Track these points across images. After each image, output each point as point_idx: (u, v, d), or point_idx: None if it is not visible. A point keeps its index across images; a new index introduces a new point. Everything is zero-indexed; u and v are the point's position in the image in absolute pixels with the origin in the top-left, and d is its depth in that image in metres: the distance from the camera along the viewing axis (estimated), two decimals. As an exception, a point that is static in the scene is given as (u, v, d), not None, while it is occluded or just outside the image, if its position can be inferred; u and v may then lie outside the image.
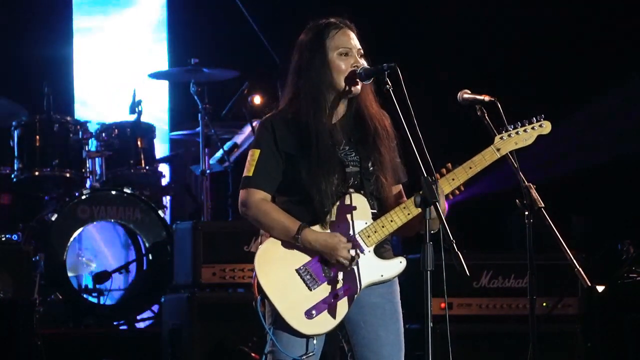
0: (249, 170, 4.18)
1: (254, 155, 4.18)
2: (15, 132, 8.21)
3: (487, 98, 4.47)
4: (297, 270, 4.12)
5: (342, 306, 4.13)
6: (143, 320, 8.32)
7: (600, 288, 6.84)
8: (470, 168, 4.23)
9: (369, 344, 4.20)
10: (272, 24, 8.75)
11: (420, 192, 3.90)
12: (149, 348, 7.47)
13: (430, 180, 3.89)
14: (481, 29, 9.08)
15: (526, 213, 4.46)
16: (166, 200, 8.83)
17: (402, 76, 4.05)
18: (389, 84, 4.07)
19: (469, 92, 4.50)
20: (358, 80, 4.18)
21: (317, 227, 4.13)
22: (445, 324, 4.31)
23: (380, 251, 4.19)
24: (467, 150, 4.30)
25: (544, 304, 6.75)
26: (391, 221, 4.18)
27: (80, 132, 8.30)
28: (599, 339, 6.87)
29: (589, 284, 4.37)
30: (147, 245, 8.22)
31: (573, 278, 4.46)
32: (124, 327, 8.15)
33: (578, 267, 4.35)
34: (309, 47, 4.24)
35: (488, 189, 7.75)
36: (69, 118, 8.41)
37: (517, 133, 4.31)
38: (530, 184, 4.47)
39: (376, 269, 4.17)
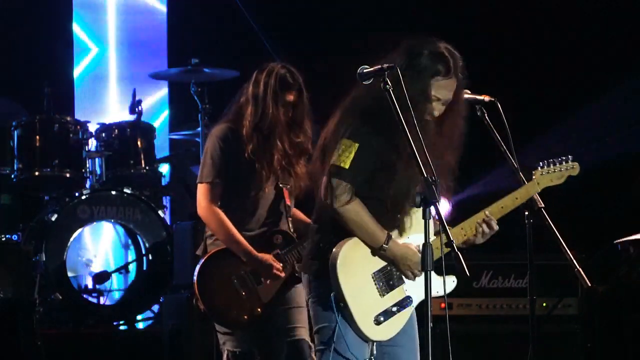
0: (344, 162, 4.14)
1: (350, 147, 4.15)
2: (15, 132, 8.20)
3: (487, 98, 4.49)
4: (372, 275, 4.16)
5: (405, 315, 4.23)
6: (143, 320, 8.32)
7: (600, 288, 6.84)
8: (517, 199, 4.42)
9: (396, 341, 4.27)
10: (273, 23, 8.75)
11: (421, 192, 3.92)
12: (149, 348, 7.47)
13: (431, 180, 3.90)
14: (481, 28, 9.09)
15: (526, 213, 4.47)
16: (166, 200, 8.83)
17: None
18: (388, 84, 4.07)
19: (469, 92, 4.51)
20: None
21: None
22: (446, 324, 4.34)
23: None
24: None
25: (544, 304, 6.75)
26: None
27: (80, 132, 8.29)
28: (599, 339, 6.86)
29: (589, 284, 4.38)
30: (147, 245, 8.22)
31: (573, 278, 4.46)
32: (124, 327, 8.15)
33: (578, 267, 4.35)
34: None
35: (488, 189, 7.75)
36: (69, 118, 8.39)
37: (554, 171, 4.51)
38: (530, 184, 4.48)
39: (434, 285, 4.22)
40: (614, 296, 6.83)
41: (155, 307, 8.24)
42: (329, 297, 4.13)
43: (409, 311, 4.22)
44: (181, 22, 9.97)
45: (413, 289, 4.24)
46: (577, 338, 6.82)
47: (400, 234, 4.24)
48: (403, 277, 4.22)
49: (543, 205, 4.43)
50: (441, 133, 4.28)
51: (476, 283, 6.82)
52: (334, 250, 4.15)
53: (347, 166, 4.13)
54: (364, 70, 4.16)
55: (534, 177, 4.46)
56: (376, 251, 4.17)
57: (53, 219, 7.92)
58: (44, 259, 7.80)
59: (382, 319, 4.16)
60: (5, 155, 8.22)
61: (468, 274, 3.78)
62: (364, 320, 4.13)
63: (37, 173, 8.14)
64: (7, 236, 7.89)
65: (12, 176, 8.18)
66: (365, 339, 4.18)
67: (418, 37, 4.29)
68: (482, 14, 9.08)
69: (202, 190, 5.31)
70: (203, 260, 5.27)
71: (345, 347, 4.14)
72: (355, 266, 4.14)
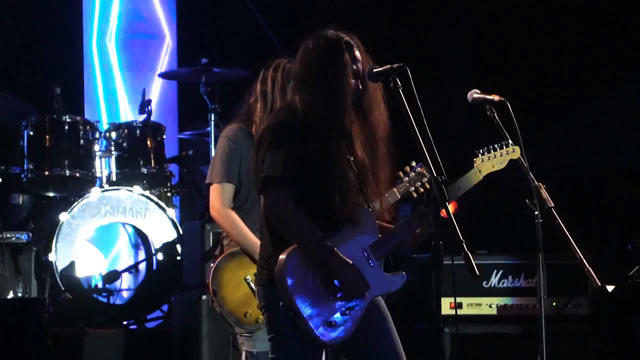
0: (275, 170, 4.05)
1: (277, 155, 4.06)
2: (26, 131, 8.22)
3: (496, 98, 4.49)
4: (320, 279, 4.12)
5: (357, 317, 4.16)
6: (153, 320, 8.33)
7: (610, 288, 6.83)
8: (459, 188, 4.36)
9: (376, 339, 4.23)
10: (282, 23, 8.75)
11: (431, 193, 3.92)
12: (158, 348, 7.48)
13: (441, 180, 3.89)
14: (488, 29, 9.08)
15: (536, 213, 4.46)
16: (176, 200, 8.84)
17: (411, 76, 4.06)
18: (398, 84, 4.07)
19: (479, 92, 4.51)
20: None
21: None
22: (455, 323, 4.32)
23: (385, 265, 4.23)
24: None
25: (554, 304, 6.74)
26: (396, 236, 4.22)
27: (90, 132, 8.31)
28: (609, 339, 6.85)
29: (599, 284, 4.37)
30: (156, 245, 8.23)
31: (583, 278, 4.45)
32: (134, 326, 8.16)
33: (588, 266, 4.34)
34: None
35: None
36: (79, 118, 8.41)
37: (494, 157, 4.45)
38: (540, 183, 4.48)
39: (383, 283, 4.23)
40: (624, 296, 6.81)
41: (165, 307, 8.25)
42: (279, 306, 4.06)
43: (361, 309, 4.15)
44: (190, 21, 9.98)
45: None
46: (587, 338, 6.81)
47: (345, 235, 4.14)
48: None
49: (553, 204, 4.42)
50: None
51: (486, 282, 6.81)
52: (280, 257, 4.05)
53: (279, 174, 4.05)
54: (374, 70, 4.16)
55: (475, 164, 4.41)
56: (318, 267, 4.05)
57: (63, 218, 7.94)
58: (54, 259, 7.83)
59: (334, 322, 4.08)
60: (16, 155, 8.24)
61: (477, 274, 3.77)
62: (316, 325, 4.06)
63: (47, 173, 8.16)
64: (17, 235, 7.90)
65: (23, 176, 8.19)
66: (321, 345, 4.10)
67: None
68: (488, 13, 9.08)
69: (213, 192, 5.29)
70: (216, 262, 5.26)
71: (299, 355, 4.10)
72: (302, 271, 4.06)
